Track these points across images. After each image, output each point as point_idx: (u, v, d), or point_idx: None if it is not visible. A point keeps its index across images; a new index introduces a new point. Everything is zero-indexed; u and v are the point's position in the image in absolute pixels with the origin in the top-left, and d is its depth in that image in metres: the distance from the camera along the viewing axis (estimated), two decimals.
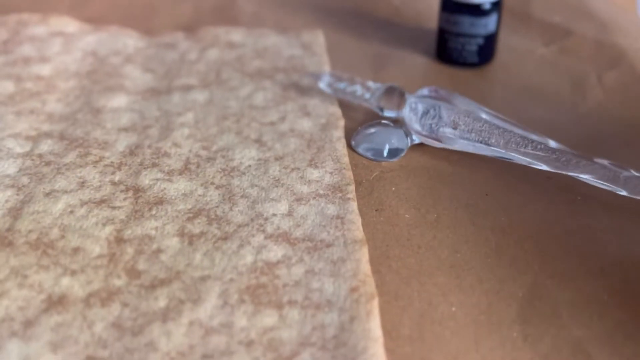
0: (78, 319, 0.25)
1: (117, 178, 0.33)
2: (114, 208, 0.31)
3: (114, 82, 0.41)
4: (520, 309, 0.27)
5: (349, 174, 0.33)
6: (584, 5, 0.52)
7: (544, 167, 0.33)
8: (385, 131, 0.36)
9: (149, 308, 0.26)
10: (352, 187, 0.32)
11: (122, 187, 0.32)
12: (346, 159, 0.34)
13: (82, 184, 0.32)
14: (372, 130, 0.36)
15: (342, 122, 0.37)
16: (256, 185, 0.32)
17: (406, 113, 0.36)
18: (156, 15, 0.51)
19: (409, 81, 0.42)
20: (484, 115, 0.34)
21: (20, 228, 0.29)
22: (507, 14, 0.49)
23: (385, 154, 0.35)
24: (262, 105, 0.38)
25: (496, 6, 0.43)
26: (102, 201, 0.31)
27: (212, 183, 0.32)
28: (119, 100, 0.39)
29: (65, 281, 0.27)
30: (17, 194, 0.31)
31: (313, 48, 0.45)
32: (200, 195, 0.31)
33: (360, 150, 0.35)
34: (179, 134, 0.36)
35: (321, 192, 0.32)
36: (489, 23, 0.43)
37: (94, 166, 0.33)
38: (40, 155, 0.34)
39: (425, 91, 0.37)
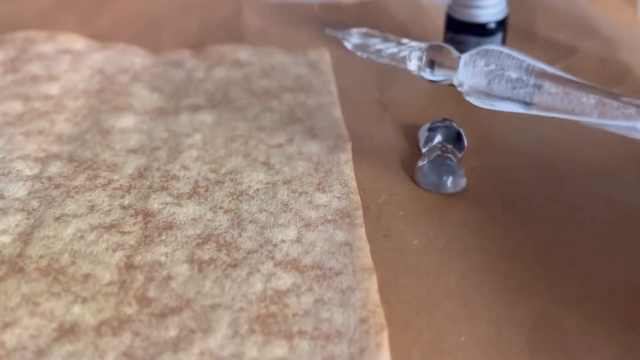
0: (90, 348, 0.26)
1: (126, 202, 0.33)
2: (123, 233, 0.31)
3: (122, 102, 0.41)
4: (529, 337, 0.27)
5: (357, 198, 0.33)
6: (588, 23, 0.52)
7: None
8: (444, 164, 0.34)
9: (160, 337, 0.26)
10: (360, 213, 0.32)
11: (131, 211, 0.32)
12: (354, 183, 0.34)
13: (92, 208, 0.32)
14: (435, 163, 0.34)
15: (349, 145, 0.37)
16: (265, 210, 0.32)
17: (462, 71, 0.32)
18: (162, 30, 0.51)
19: (415, 100, 0.42)
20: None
21: (31, 254, 0.30)
22: (512, 32, 0.50)
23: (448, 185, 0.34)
24: (270, 126, 0.39)
25: (501, 25, 0.43)
26: (112, 226, 0.31)
27: (221, 207, 0.32)
28: (127, 121, 0.39)
29: (77, 309, 0.27)
30: (27, 218, 0.32)
31: (319, 67, 0.45)
32: (209, 220, 0.32)
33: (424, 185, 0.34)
34: (187, 156, 0.36)
35: (329, 217, 0.32)
36: (494, 42, 0.43)
37: (103, 189, 0.34)
38: (49, 178, 0.34)
39: (479, 49, 0.32)
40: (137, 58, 0.46)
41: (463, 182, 0.34)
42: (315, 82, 0.43)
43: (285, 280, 0.28)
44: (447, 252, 0.31)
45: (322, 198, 0.33)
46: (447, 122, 0.37)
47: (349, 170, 0.35)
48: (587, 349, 0.26)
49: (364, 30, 0.35)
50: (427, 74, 0.33)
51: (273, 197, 0.33)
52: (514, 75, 0.31)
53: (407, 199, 0.34)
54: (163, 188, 0.34)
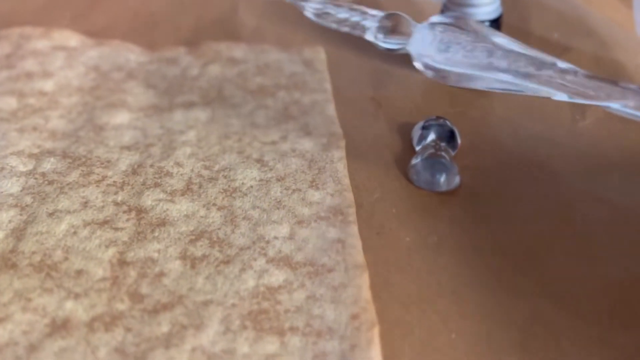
0: (82, 344, 0.26)
1: (119, 198, 0.33)
2: (116, 229, 0.31)
3: (116, 99, 0.41)
4: (520, 335, 0.27)
5: (350, 195, 0.33)
6: (582, 22, 0.52)
7: (564, 96, 0.29)
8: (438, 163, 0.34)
9: (152, 333, 0.26)
10: (352, 210, 0.32)
11: (124, 207, 0.32)
12: (347, 180, 0.34)
13: (85, 204, 0.32)
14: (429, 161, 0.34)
15: (343, 142, 0.37)
16: (258, 207, 0.32)
17: (414, 42, 0.31)
18: (158, 28, 0.51)
19: (409, 98, 0.42)
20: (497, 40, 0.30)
21: (23, 249, 0.30)
22: (507, 31, 0.50)
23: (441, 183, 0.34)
24: (264, 123, 0.39)
25: (495, 24, 0.43)
26: (105, 222, 0.31)
27: (214, 204, 0.32)
28: (122, 117, 0.39)
29: (69, 305, 0.27)
30: (21, 214, 0.32)
31: (314, 65, 0.45)
32: (202, 217, 0.32)
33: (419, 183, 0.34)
34: (181, 152, 0.36)
35: (322, 214, 0.32)
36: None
37: (97, 186, 0.34)
38: (43, 174, 0.34)
39: (438, 17, 0.32)
40: (132, 55, 0.46)
41: (456, 180, 0.34)
42: (310, 79, 0.43)
43: (277, 276, 0.28)
44: (439, 250, 0.31)
45: (315, 195, 0.33)
46: (441, 121, 0.37)
47: (342, 168, 0.35)
48: (578, 348, 0.26)
49: None
50: (380, 42, 0.33)
51: (266, 194, 0.33)
52: (469, 47, 0.30)
53: (400, 197, 0.34)
54: (156, 184, 0.34)
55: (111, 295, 0.28)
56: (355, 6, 0.33)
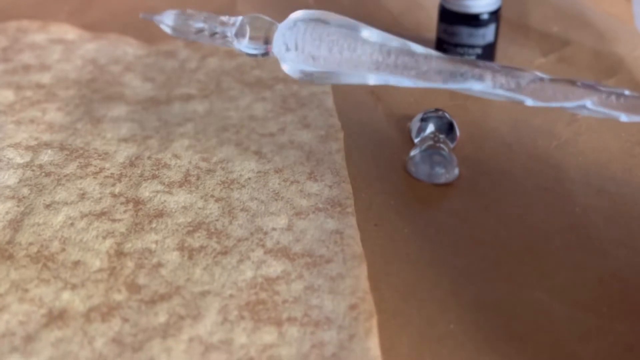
0: (78, 334, 0.25)
1: (117, 190, 0.33)
2: (114, 221, 0.31)
3: (113, 91, 0.41)
4: (518, 325, 0.27)
5: (348, 187, 0.33)
6: (581, 16, 0.52)
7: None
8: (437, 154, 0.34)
9: (149, 324, 0.26)
10: (351, 201, 0.32)
11: (122, 199, 0.32)
12: (345, 172, 0.34)
13: (83, 196, 0.32)
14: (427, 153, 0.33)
15: (341, 134, 0.37)
16: (256, 199, 0.32)
17: (277, 44, 0.30)
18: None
19: (407, 90, 0.42)
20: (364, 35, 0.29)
21: (20, 240, 0.30)
22: (505, 24, 0.49)
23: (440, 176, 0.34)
24: (262, 116, 0.39)
25: (494, 16, 0.43)
26: (102, 213, 0.31)
27: (212, 196, 0.32)
28: (119, 110, 0.39)
29: (66, 295, 0.27)
30: (18, 206, 0.32)
31: None
32: (200, 209, 0.32)
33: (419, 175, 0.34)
34: (179, 145, 0.36)
35: (320, 206, 0.32)
36: (487, 33, 0.43)
37: (94, 177, 0.33)
38: (40, 166, 0.34)
39: (299, 14, 0.30)
40: (129, 48, 0.46)
41: (455, 172, 0.34)
42: None
43: (275, 267, 0.28)
44: (437, 241, 0.31)
45: (313, 187, 0.33)
46: (440, 113, 0.37)
47: (340, 160, 0.35)
48: (576, 337, 0.26)
49: (177, 11, 0.32)
50: (243, 48, 0.31)
51: (264, 185, 0.33)
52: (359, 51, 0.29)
53: (399, 189, 0.34)
54: (154, 176, 0.34)
55: (108, 286, 0.28)
56: (210, 15, 0.32)
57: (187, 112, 0.39)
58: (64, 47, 0.45)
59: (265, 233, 0.30)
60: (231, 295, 0.27)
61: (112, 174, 0.34)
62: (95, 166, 0.34)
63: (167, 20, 0.32)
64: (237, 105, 0.40)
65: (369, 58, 0.29)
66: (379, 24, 0.51)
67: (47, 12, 0.51)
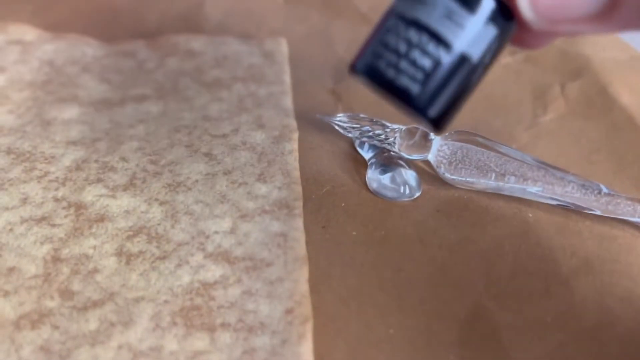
0: (6, 342, 0.25)
1: (60, 194, 0.32)
2: (53, 226, 0.30)
3: (67, 93, 0.40)
4: (460, 331, 0.26)
5: (298, 188, 0.32)
6: None
7: (597, 212, 0.32)
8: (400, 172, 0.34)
9: (79, 331, 0.25)
10: (299, 203, 0.32)
11: (64, 203, 0.31)
12: (297, 173, 0.34)
13: (25, 201, 0.32)
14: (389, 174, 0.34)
15: (296, 135, 0.36)
16: (201, 202, 0.32)
17: (433, 157, 0.34)
18: (120, 22, 0.50)
19: (368, 92, 0.41)
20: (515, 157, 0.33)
21: None
22: None
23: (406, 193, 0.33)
24: (216, 116, 0.38)
25: None
26: (42, 218, 0.30)
27: (157, 199, 0.32)
28: (71, 112, 0.38)
29: None
30: None
31: (274, 56, 0.44)
32: (142, 212, 0.31)
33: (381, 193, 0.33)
34: (128, 147, 0.35)
35: (267, 208, 0.31)
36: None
37: (38, 181, 0.33)
38: None
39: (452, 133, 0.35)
40: (89, 49, 0.45)
41: (420, 187, 0.33)
42: (269, 71, 0.42)
43: (214, 272, 0.28)
44: (385, 244, 0.30)
45: (262, 188, 0.32)
46: (370, 132, 0.36)
47: (292, 161, 0.34)
48: (518, 346, 0.26)
49: (350, 114, 0.37)
50: (405, 155, 0.35)
51: (211, 188, 0.32)
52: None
53: (351, 191, 0.33)
54: (99, 180, 0.33)
55: (41, 292, 0.27)
56: (376, 120, 0.36)
57: (140, 113, 0.38)
58: (21, 48, 0.44)
59: (207, 237, 0.29)
60: (165, 301, 0.26)
61: (56, 177, 0.33)
62: (40, 170, 0.33)
63: (338, 121, 0.36)
64: (192, 106, 0.39)
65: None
66: (346, 22, 0.50)
67: (9, 11, 0.50)
